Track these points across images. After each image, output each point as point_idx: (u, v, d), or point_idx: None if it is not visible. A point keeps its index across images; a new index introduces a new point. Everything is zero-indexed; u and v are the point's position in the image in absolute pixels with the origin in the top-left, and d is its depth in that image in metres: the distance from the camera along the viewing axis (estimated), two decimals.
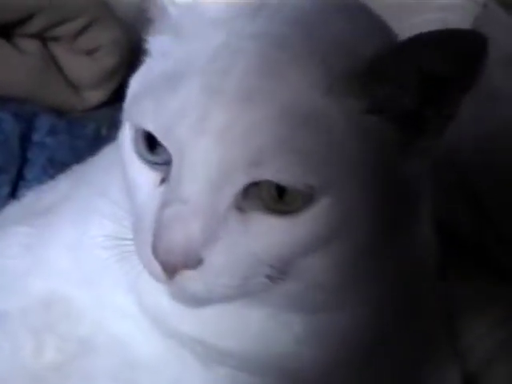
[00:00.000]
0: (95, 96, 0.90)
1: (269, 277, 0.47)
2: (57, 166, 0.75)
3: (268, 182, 0.44)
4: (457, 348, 0.69)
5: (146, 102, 0.46)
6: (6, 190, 0.75)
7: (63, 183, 0.66)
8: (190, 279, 0.45)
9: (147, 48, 0.50)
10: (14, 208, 0.67)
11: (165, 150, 0.45)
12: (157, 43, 0.49)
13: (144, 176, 0.47)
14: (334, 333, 0.55)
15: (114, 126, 0.53)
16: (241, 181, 0.44)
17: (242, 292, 0.47)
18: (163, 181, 0.47)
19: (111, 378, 0.56)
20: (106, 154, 0.63)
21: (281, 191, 0.45)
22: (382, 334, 0.57)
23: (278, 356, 0.55)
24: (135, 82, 0.50)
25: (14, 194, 0.75)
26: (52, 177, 0.69)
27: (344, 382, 0.57)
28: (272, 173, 0.44)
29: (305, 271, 0.48)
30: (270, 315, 0.53)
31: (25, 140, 0.79)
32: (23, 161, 0.79)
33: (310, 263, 0.47)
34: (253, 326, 0.54)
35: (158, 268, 0.46)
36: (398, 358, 0.60)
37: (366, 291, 0.53)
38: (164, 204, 0.45)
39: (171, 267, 0.45)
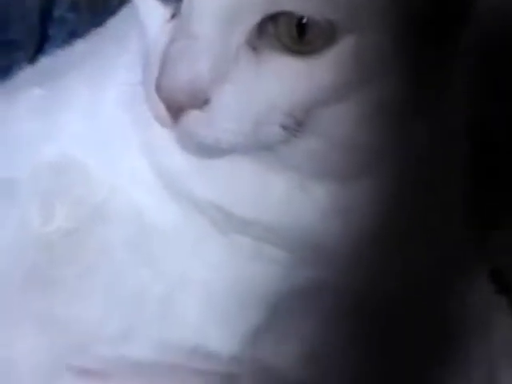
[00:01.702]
0: None
1: (284, 127, 0.43)
2: None
3: (286, 17, 0.40)
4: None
5: None
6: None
7: (80, 45, 0.62)
8: (196, 122, 0.42)
9: None
10: (27, 72, 0.63)
11: None
12: None
13: (154, 11, 0.43)
14: (360, 205, 0.50)
15: None
16: (257, 12, 0.40)
17: (254, 142, 0.43)
18: (173, 16, 0.42)
19: (124, 246, 0.53)
20: (126, 12, 0.59)
21: (300, 30, 0.40)
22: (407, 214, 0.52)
23: (301, 228, 0.51)
24: None
25: None
26: None
27: (372, 262, 0.53)
28: (291, 2, 0.39)
29: (324, 125, 0.44)
30: (292, 182, 0.50)
31: (45, 15, 0.75)
32: (43, 37, 0.74)
33: (328, 116, 0.43)
34: (274, 194, 0.50)
35: (162, 109, 0.42)
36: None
37: (391, 162, 0.49)
38: (172, 39, 0.41)
39: (175, 106, 0.41)
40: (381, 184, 0.50)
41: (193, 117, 0.42)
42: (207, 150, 0.45)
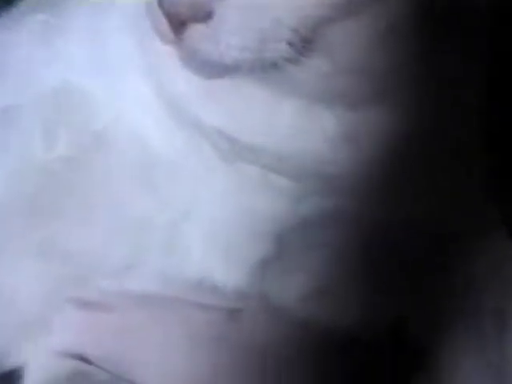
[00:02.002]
0: None
1: (290, 44, 0.41)
2: None
3: None
4: None
5: None
6: None
7: None
8: (200, 37, 0.40)
9: None
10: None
11: None
12: None
13: None
14: (370, 134, 0.48)
15: None
16: None
17: (260, 59, 0.41)
18: None
19: (126, 175, 0.51)
20: None
21: None
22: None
23: (308, 155, 0.49)
24: None
25: None
26: None
27: (381, 193, 0.51)
28: None
29: (333, 44, 0.42)
30: (301, 108, 0.48)
31: None
32: None
33: (338, 34, 0.42)
34: (281, 119, 0.48)
35: (165, 23, 0.40)
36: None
37: (406, 90, 0.47)
38: None
39: (178, 20, 0.40)
40: (393, 113, 0.48)
41: (196, 32, 0.40)
42: (211, 69, 0.43)
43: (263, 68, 0.42)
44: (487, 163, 0.55)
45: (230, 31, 0.40)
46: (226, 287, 0.52)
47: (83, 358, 0.54)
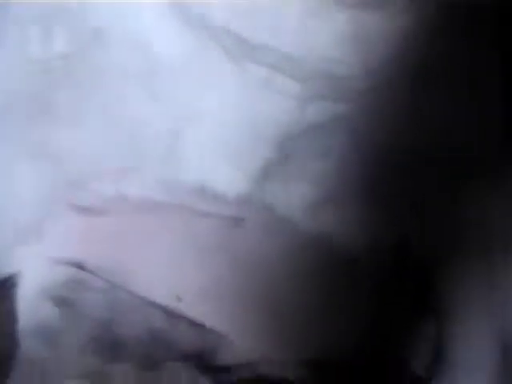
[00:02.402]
0: None
1: None
2: None
3: None
4: None
5: None
6: None
7: None
8: None
9: None
10: None
11: None
12: None
13: None
14: (381, 37, 0.46)
15: None
16: None
17: None
18: None
19: (126, 74, 0.49)
20: None
21: None
22: None
23: (316, 54, 0.47)
24: None
25: None
26: None
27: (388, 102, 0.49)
28: None
29: None
30: (311, 5, 0.46)
31: None
32: None
33: None
34: (291, 16, 0.46)
35: None
36: None
37: None
38: None
39: None
40: (407, 13, 0.46)
41: None
42: None
43: None
44: None
45: None
46: (228, 195, 0.50)
47: (79, 266, 0.53)
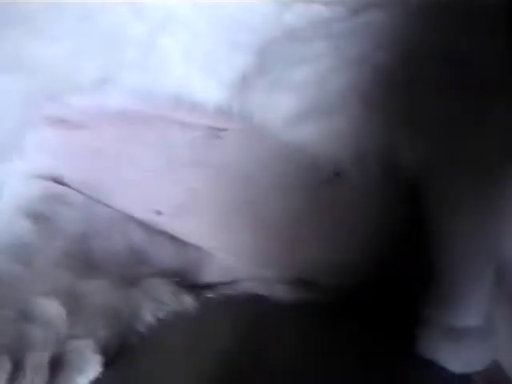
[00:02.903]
0: None
1: None
2: None
3: None
4: None
5: None
6: None
7: None
8: None
9: None
10: None
11: None
12: None
13: None
14: None
15: None
16: None
17: None
18: None
19: None
20: None
21: None
22: None
23: None
24: None
25: None
26: None
27: None
28: None
29: None
30: None
31: None
32: None
33: None
34: None
35: None
36: None
37: None
38: None
39: None
40: None
41: None
42: None
43: None
44: None
45: None
46: (206, 104, 0.47)
47: (56, 180, 0.51)
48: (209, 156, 0.49)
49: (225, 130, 0.49)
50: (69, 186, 0.51)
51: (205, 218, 0.50)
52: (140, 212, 0.51)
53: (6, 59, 0.48)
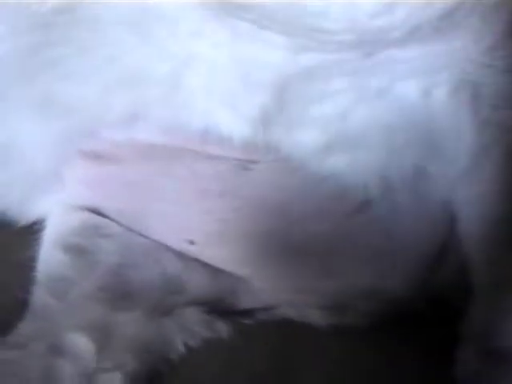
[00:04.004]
0: None
1: None
2: None
3: None
4: None
5: None
6: None
7: None
8: None
9: None
10: None
11: None
12: None
13: None
14: None
15: None
16: None
17: None
18: None
19: (122, 22, 0.48)
20: None
21: None
22: None
23: (299, 10, 0.43)
24: None
25: None
26: None
27: None
28: None
29: None
30: None
31: None
32: None
33: None
34: None
35: None
36: None
37: None
38: None
39: None
40: None
41: None
42: None
43: None
44: None
45: None
46: (233, 138, 0.48)
47: (97, 212, 0.53)
48: (238, 187, 0.50)
49: (254, 162, 0.49)
50: (107, 217, 0.53)
51: (237, 247, 0.51)
52: (173, 242, 0.52)
53: (42, 101, 0.50)
